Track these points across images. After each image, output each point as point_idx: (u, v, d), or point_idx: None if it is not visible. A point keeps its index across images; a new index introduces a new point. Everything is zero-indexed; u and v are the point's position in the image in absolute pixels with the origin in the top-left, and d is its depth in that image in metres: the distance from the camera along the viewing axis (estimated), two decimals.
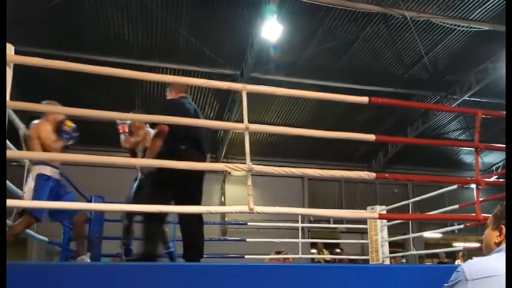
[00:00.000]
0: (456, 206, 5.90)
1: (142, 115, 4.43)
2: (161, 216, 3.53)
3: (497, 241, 1.71)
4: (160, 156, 3.41)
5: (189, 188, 3.58)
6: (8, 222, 3.40)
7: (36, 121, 4.00)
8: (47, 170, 3.86)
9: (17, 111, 3.75)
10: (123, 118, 4.26)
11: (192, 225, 3.56)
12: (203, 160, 3.66)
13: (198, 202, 3.62)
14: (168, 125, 3.44)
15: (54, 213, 3.93)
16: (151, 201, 3.15)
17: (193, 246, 3.59)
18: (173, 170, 3.04)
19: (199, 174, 3.61)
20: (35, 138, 3.87)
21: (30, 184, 3.78)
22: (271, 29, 7.85)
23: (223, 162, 12.07)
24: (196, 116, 3.78)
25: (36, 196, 3.68)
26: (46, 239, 4.95)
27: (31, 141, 3.87)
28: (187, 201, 3.32)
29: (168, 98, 3.96)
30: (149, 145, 3.71)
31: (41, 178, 3.81)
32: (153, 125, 3.82)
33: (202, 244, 3.65)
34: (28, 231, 4.22)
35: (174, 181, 3.38)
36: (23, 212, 3.69)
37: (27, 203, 3.68)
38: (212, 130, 12.21)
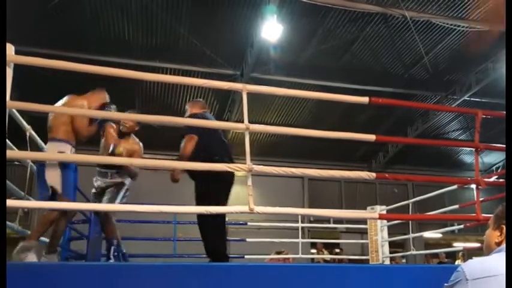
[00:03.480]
0: (456, 206, 5.91)
1: (139, 115, 4.38)
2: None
3: (497, 241, 1.72)
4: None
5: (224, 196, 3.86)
6: (9, 223, 3.39)
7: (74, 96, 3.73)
8: (68, 149, 3.54)
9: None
10: (122, 118, 4.25)
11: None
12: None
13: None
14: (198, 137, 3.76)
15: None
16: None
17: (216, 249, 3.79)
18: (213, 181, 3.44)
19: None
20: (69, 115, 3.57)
21: (53, 164, 3.45)
22: (271, 29, 7.85)
23: None
24: (219, 131, 4.16)
25: (65, 177, 3.43)
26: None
27: (62, 116, 3.59)
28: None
29: (191, 113, 4.14)
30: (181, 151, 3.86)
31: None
32: (181, 135, 3.93)
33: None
34: (29, 232, 4.21)
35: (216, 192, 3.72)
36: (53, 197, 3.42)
37: (28, 203, 3.68)
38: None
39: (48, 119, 3.66)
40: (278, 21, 7.72)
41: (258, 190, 4.46)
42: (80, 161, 3.45)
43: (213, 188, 3.73)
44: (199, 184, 3.86)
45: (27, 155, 3.62)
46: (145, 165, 3.96)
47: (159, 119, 3.35)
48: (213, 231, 3.76)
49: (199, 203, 3.70)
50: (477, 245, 10.05)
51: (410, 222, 7.42)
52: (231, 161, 3.79)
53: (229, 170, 3.00)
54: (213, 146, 3.91)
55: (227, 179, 3.84)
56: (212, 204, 3.23)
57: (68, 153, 3.52)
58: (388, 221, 6.84)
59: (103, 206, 3.91)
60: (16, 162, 5.20)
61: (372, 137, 3.28)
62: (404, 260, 11.40)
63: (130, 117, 4.12)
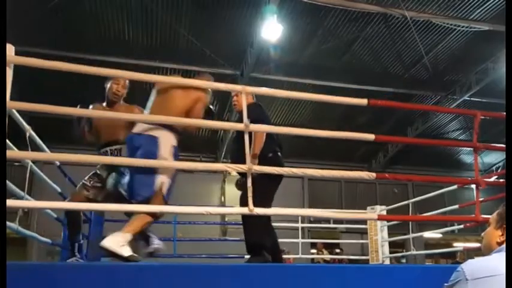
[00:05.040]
0: (456, 206, 5.90)
1: (140, 115, 4.37)
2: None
3: (499, 241, 1.71)
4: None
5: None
6: (8, 223, 3.38)
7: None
8: (174, 141, 3.09)
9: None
10: (122, 118, 4.21)
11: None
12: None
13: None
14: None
15: None
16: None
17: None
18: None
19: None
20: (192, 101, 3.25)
21: (164, 153, 2.95)
22: (271, 29, 7.86)
23: (223, 162, 12.06)
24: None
25: (172, 174, 2.99)
26: (49, 240, 4.91)
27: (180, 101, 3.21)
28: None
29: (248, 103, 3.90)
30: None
31: (175, 149, 3.05)
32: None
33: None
34: (28, 232, 4.20)
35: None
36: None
37: (25, 202, 3.66)
38: (212, 130, 12.26)
39: (152, 100, 3.26)
40: (278, 21, 7.72)
41: None
42: (83, 162, 3.43)
43: (270, 186, 3.65)
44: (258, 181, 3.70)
45: (27, 155, 3.62)
46: (146, 164, 3.94)
47: (159, 119, 3.34)
48: (262, 230, 3.80)
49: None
50: (477, 245, 10.03)
51: (410, 222, 7.42)
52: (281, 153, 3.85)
53: (227, 169, 2.99)
54: (275, 135, 3.92)
55: (278, 178, 3.73)
56: (265, 203, 3.22)
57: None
58: (388, 221, 6.84)
59: (101, 206, 3.89)
60: (16, 163, 5.19)
61: (371, 137, 3.27)
62: (404, 260, 11.40)
63: (132, 117, 4.10)
